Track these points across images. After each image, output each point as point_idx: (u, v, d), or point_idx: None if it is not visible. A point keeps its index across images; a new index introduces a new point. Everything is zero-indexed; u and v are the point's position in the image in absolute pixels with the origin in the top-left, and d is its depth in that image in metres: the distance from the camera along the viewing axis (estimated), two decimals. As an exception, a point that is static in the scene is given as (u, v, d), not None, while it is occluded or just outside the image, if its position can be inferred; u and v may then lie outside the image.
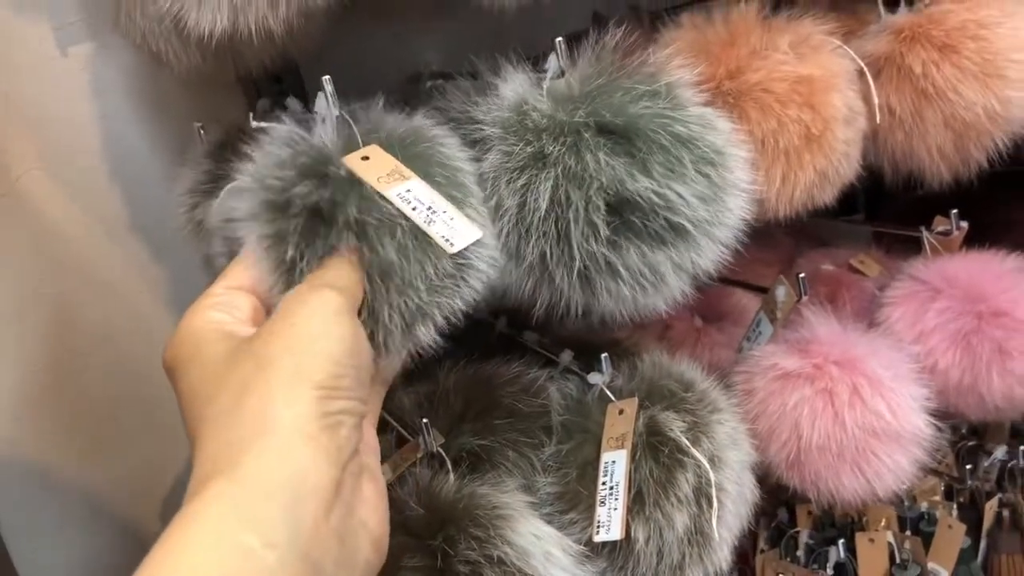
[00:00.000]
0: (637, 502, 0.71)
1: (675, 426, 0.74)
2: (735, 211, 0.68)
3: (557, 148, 0.63)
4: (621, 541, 0.70)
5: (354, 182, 0.58)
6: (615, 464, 0.73)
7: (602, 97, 0.66)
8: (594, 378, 0.80)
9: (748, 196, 0.70)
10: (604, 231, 0.63)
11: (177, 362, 0.51)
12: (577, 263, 0.64)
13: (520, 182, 0.64)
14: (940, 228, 0.94)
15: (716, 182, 0.66)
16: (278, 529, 0.42)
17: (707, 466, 0.72)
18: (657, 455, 0.73)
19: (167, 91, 0.98)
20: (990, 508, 1.03)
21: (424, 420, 0.73)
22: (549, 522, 0.72)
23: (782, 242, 1.12)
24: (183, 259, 0.99)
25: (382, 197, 0.58)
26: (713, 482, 0.72)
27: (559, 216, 0.63)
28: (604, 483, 0.72)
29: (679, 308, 1.01)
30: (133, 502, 1.05)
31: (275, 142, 0.62)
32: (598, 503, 0.72)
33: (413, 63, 1.01)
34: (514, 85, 0.70)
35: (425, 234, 0.58)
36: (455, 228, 0.63)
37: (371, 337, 0.55)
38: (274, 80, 1.01)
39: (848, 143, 0.78)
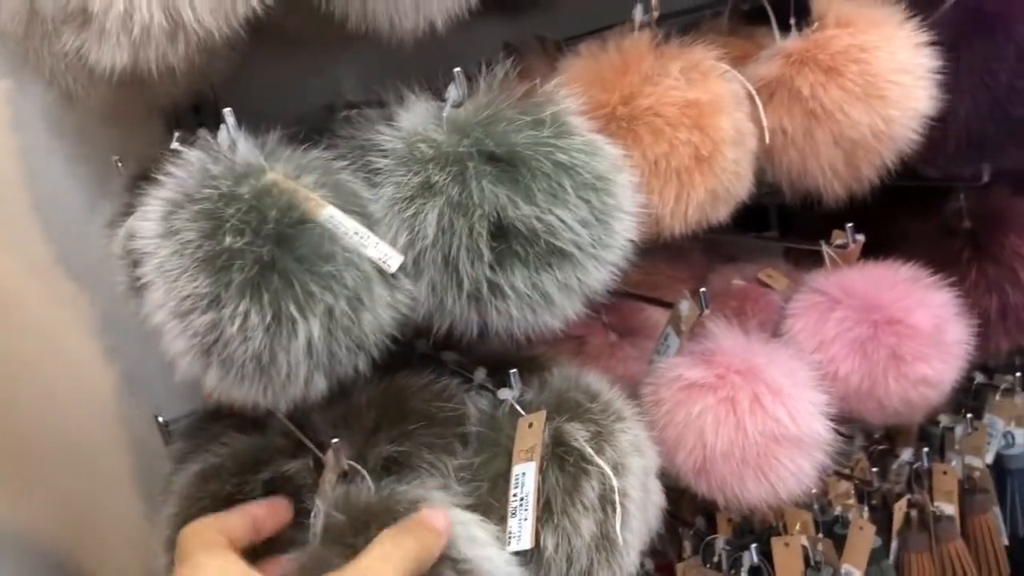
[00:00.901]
0: (546, 511, 0.74)
1: (579, 436, 0.76)
2: (621, 233, 0.72)
3: (443, 177, 0.66)
4: (532, 550, 0.73)
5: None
6: (525, 476, 0.75)
7: (489, 127, 0.69)
8: (504, 393, 0.82)
9: (634, 218, 0.73)
10: (488, 256, 0.66)
11: None
12: (465, 288, 0.67)
13: (409, 212, 0.67)
14: (838, 241, 0.98)
15: (598, 207, 0.69)
16: None
17: (610, 473, 0.75)
18: (563, 464, 0.75)
19: (86, 125, 0.99)
20: (899, 509, 1.07)
21: (335, 440, 0.75)
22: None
23: (696, 259, 1.15)
24: (107, 293, 1.00)
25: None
26: (616, 488, 0.75)
27: (445, 244, 0.66)
28: (515, 495, 0.75)
29: (595, 324, 1.06)
30: (59, 541, 1.05)
31: (187, 167, 0.65)
32: (509, 514, 0.74)
33: (332, 92, 1.03)
34: (414, 115, 0.73)
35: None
36: (385, 251, 0.67)
37: None
38: (193, 111, 1.03)
39: (738, 163, 0.82)
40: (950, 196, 1.09)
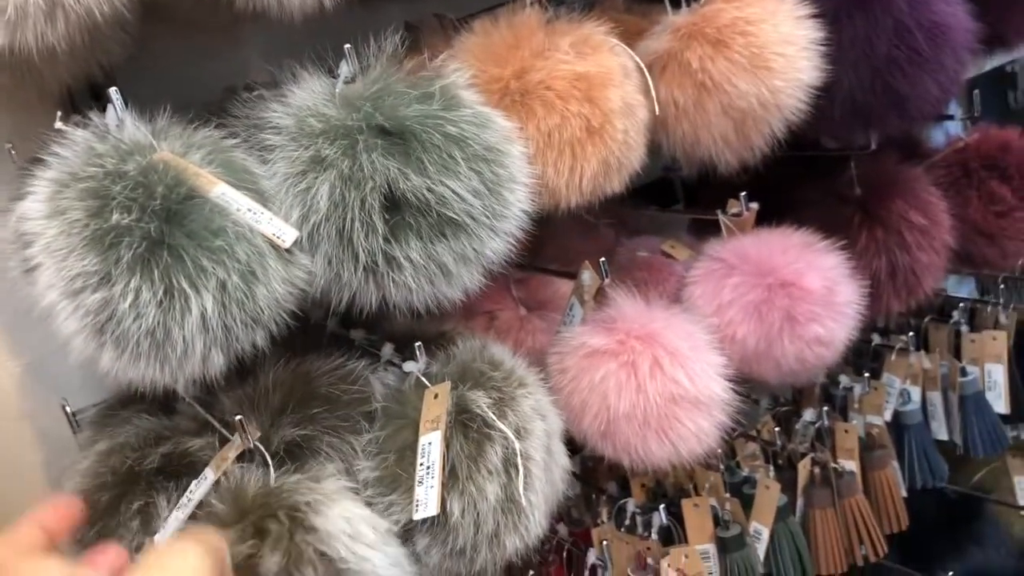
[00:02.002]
0: (451, 477, 0.76)
1: (482, 402, 0.78)
2: (514, 203, 0.74)
3: (333, 151, 0.67)
4: (439, 516, 0.74)
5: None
6: (431, 445, 0.77)
7: (379, 101, 0.70)
8: (409, 366, 0.84)
9: (527, 189, 0.75)
10: (382, 228, 0.67)
11: None
12: (362, 260, 0.68)
13: (301, 186, 0.68)
14: (733, 210, 1.01)
15: (489, 177, 0.71)
16: None
17: (513, 437, 0.77)
18: (467, 431, 0.77)
19: (-25, 112, 0.97)
20: (803, 467, 1.12)
21: (238, 417, 0.75)
22: (370, 505, 0.76)
23: (604, 234, 1.18)
24: (3, 283, 0.99)
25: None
26: (519, 451, 0.77)
27: (338, 217, 0.67)
28: (422, 464, 0.76)
29: (505, 299, 1.08)
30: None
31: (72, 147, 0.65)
32: (416, 483, 0.76)
33: (237, 75, 1.03)
34: (307, 92, 0.74)
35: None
36: (279, 227, 0.67)
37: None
38: (92, 97, 1.01)
39: (627, 133, 0.84)
40: (842, 164, 1.13)
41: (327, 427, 0.79)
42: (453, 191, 0.68)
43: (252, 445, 0.75)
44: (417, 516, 0.75)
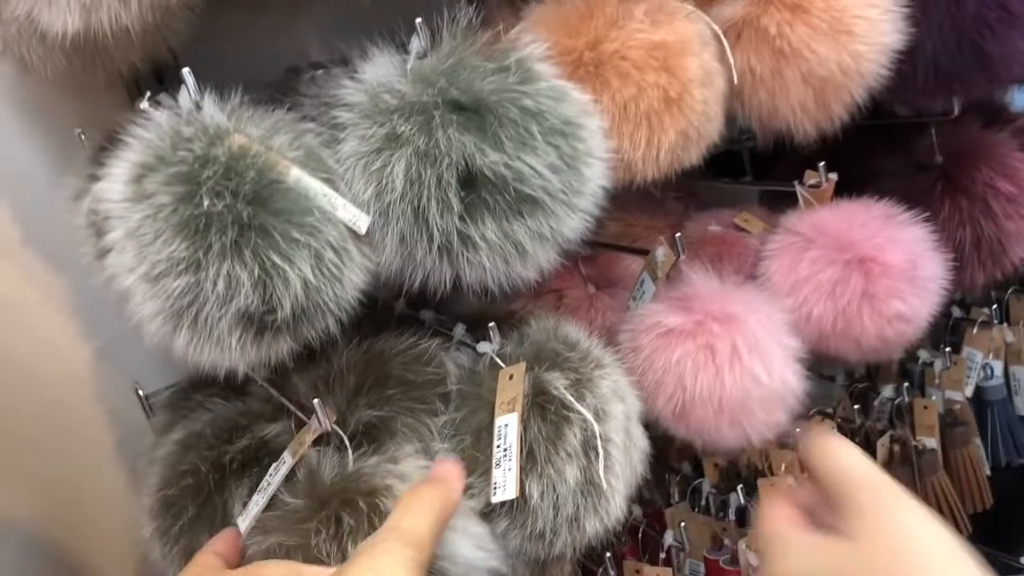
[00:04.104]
0: (529, 460, 0.74)
1: (559, 384, 0.77)
2: (592, 179, 0.71)
3: (408, 128, 0.66)
4: (517, 499, 0.73)
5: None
6: (507, 427, 0.75)
7: (453, 75, 0.68)
8: (483, 347, 0.82)
9: (605, 164, 0.73)
10: (458, 206, 0.65)
11: None
12: (436, 239, 0.67)
13: (376, 165, 0.66)
14: (811, 181, 0.98)
15: (567, 152, 0.68)
16: None
17: (591, 419, 0.75)
18: (544, 414, 0.75)
19: (48, 98, 0.97)
20: (882, 445, 1.08)
21: (316, 400, 0.75)
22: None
23: (672, 208, 1.15)
24: (77, 269, 0.99)
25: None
26: (598, 434, 0.75)
27: (414, 195, 0.65)
28: (499, 446, 0.75)
29: (573, 277, 1.06)
30: (44, 523, 1.05)
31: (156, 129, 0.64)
32: (494, 465, 0.75)
33: (298, 55, 1.02)
34: (378, 68, 0.72)
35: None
36: (354, 213, 0.67)
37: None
38: (156, 80, 1.01)
39: (707, 103, 0.81)
40: (922, 132, 1.08)
41: (403, 408, 0.78)
42: (531, 167, 0.66)
43: (330, 428, 0.74)
44: (495, 499, 0.73)
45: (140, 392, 0.97)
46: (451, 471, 0.66)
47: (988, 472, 1.19)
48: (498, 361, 0.80)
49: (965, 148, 1.08)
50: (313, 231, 0.63)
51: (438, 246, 0.67)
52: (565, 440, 0.75)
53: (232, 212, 0.60)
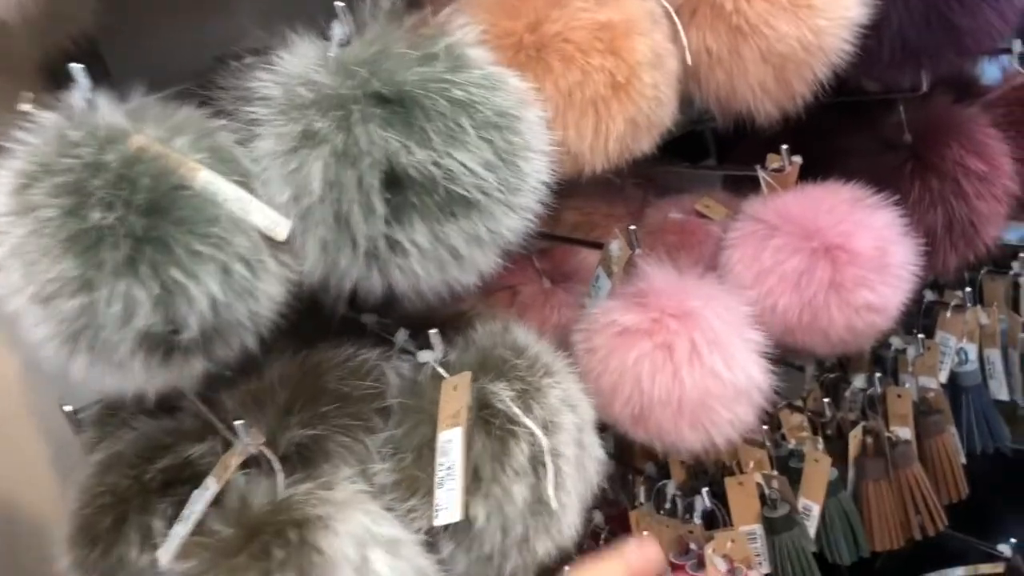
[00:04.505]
0: (474, 480, 0.69)
1: (505, 395, 0.71)
2: (532, 175, 0.66)
3: (325, 124, 0.60)
4: (462, 522, 0.68)
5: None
6: (451, 443, 0.70)
7: (376, 65, 0.62)
8: (424, 356, 0.77)
9: (546, 157, 0.67)
10: (382, 209, 0.60)
11: None
12: (361, 246, 0.61)
13: (292, 166, 0.61)
14: (774, 165, 0.93)
15: (502, 146, 0.63)
16: None
17: (540, 433, 0.70)
18: (489, 428, 0.70)
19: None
20: (854, 437, 1.04)
21: (239, 422, 0.69)
22: (389, 511, 0.70)
23: (631, 195, 1.10)
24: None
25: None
26: (547, 448, 0.70)
27: (333, 199, 0.60)
28: (442, 464, 0.70)
29: (527, 272, 1.00)
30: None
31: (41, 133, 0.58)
32: (436, 485, 0.69)
33: (225, 41, 0.95)
34: (297, 58, 0.66)
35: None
36: (272, 218, 0.61)
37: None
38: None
39: (658, 87, 0.76)
40: (889, 109, 1.03)
41: (338, 426, 0.72)
42: (462, 164, 0.60)
43: (255, 451, 0.69)
44: (438, 521, 0.68)
45: (66, 408, 0.90)
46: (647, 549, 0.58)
47: (963, 461, 1.15)
48: (441, 371, 0.75)
49: (935, 125, 1.03)
50: (220, 242, 0.57)
51: (364, 253, 0.61)
52: (512, 457, 0.69)
53: (125, 225, 0.54)
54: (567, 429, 0.72)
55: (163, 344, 0.58)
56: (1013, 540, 1.17)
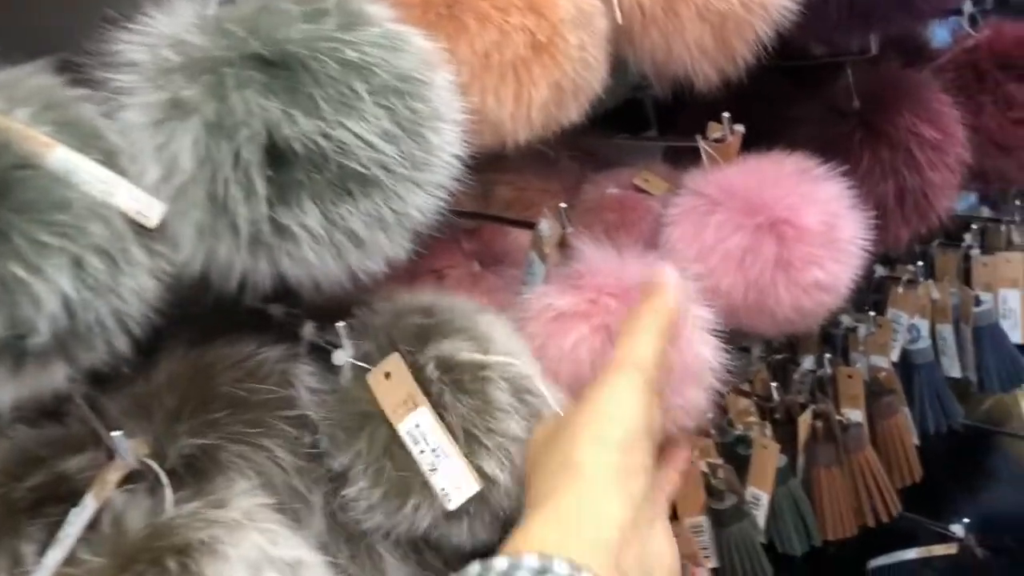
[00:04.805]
0: (472, 443, 0.63)
1: (462, 349, 0.66)
2: (441, 147, 0.58)
3: (194, 92, 0.51)
4: (483, 488, 0.62)
5: None
6: (419, 427, 0.64)
7: (255, 22, 0.54)
8: (338, 358, 0.69)
9: (458, 127, 0.60)
10: (265, 189, 0.52)
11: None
12: (243, 231, 0.53)
13: (159, 139, 0.52)
14: (715, 135, 0.86)
15: (405, 115, 0.55)
16: (590, 543, 0.51)
17: (511, 361, 0.66)
18: (462, 386, 0.64)
19: None
20: (804, 421, 0.99)
21: (116, 432, 0.61)
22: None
23: (566, 169, 1.03)
24: None
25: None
26: (524, 374, 0.66)
27: (207, 177, 0.52)
28: (422, 451, 0.63)
29: (454, 254, 0.93)
30: None
31: None
32: (428, 474, 0.63)
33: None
34: (171, 17, 0.57)
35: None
36: (141, 200, 0.53)
37: None
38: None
39: (584, 48, 0.69)
40: (837, 73, 0.97)
41: (233, 434, 0.64)
42: (357, 135, 0.53)
43: (136, 464, 0.61)
44: (453, 505, 0.62)
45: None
46: (662, 280, 0.66)
47: (917, 442, 1.11)
48: (364, 366, 0.67)
49: (885, 90, 0.98)
50: (70, 231, 0.49)
51: (247, 239, 0.53)
52: (495, 401, 0.64)
53: None
54: (524, 351, 0.69)
55: (9, 351, 0.50)
56: (966, 520, 1.14)
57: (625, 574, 0.51)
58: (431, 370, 0.64)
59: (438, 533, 0.65)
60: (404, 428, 0.63)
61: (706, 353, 0.75)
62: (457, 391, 0.64)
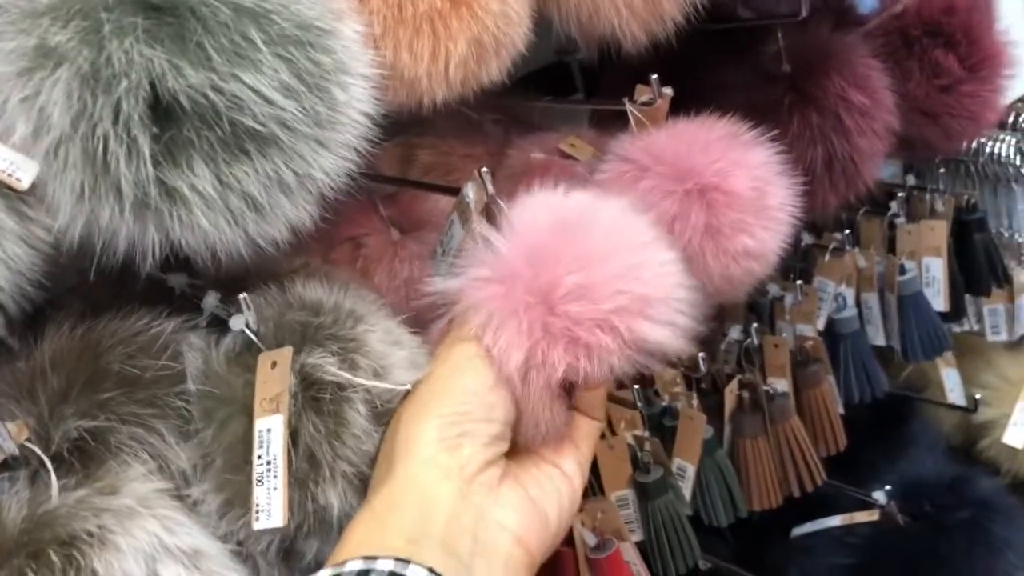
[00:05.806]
0: (314, 468, 0.58)
1: (327, 365, 0.60)
2: (349, 104, 0.54)
3: (65, 38, 0.46)
4: (322, 513, 0.58)
5: None
6: (270, 432, 0.59)
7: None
8: (236, 323, 0.64)
9: (368, 82, 0.55)
10: (149, 147, 0.47)
11: None
12: (127, 194, 0.48)
13: (27, 90, 0.47)
14: (643, 98, 0.83)
15: (308, 68, 0.50)
16: (414, 529, 0.51)
17: (374, 383, 0.60)
18: (319, 406, 0.59)
19: None
20: (730, 392, 0.98)
21: (-10, 416, 0.56)
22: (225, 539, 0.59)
23: (490, 133, 0.99)
24: None
25: None
26: (390, 395, 0.61)
27: (84, 134, 0.46)
28: (260, 457, 0.58)
29: (372, 221, 0.89)
30: None
31: None
32: (254, 482, 0.58)
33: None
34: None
35: None
36: (11, 160, 0.48)
37: None
38: None
39: (506, 2, 0.65)
40: (767, 37, 0.95)
41: (125, 414, 0.59)
42: (252, 89, 0.48)
43: (16, 451, 0.56)
44: (258, 526, 0.57)
45: None
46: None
47: (842, 411, 1.11)
48: (259, 343, 0.63)
49: (815, 54, 0.96)
50: None
51: (132, 203, 0.48)
52: (350, 424, 0.59)
53: None
54: (400, 365, 0.63)
55: None
56: (888, 487, 1.15)
57: (455, 552, 0.51)
58: (296, 382, 0.60)
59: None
60: (260, 425, 0.59)
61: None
62: (312, 411, 0.59)
